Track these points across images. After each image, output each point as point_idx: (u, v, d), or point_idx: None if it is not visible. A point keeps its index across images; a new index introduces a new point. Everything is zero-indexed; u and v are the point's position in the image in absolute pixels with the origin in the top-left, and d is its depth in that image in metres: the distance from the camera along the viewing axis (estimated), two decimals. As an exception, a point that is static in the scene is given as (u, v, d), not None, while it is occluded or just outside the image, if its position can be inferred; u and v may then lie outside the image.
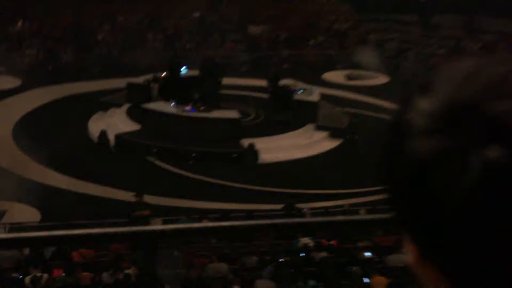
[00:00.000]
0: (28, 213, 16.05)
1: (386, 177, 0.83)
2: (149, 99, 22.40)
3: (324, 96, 23.92)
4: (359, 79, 29.57)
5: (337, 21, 35.54)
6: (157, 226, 13.83)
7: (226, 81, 25.65)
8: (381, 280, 11.57)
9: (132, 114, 22.14)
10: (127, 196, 16.37)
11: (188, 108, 20.84)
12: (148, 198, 15.87)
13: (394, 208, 0.82)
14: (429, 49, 32.24)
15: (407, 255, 0.85)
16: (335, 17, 36.08)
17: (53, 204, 16.48)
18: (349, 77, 29.98)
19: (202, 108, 20.89)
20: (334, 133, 21.59)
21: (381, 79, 29.49)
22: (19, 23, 32.61)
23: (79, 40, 31.66)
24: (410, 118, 0.80)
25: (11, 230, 14.13)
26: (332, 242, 13.70)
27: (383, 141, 0.84)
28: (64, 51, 31.05)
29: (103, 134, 20.20)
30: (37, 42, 31.54)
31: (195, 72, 23.64)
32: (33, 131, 20.66)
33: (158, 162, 19.40)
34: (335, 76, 30.02)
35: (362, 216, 9.78)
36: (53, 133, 20.39)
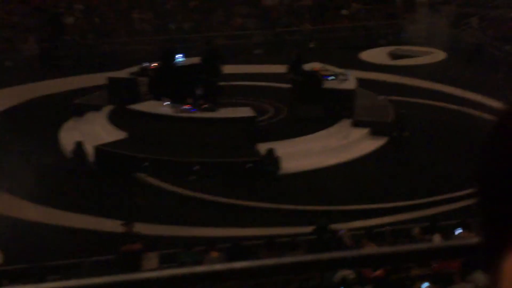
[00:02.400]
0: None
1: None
2: (137, 98, 22.68)
3: (362, 82, 24.12)
4: (407, 58, 29.71)
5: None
6: (150, 272, 14.03)
7: (235, 68, 25.99)
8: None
9: (115, 119, 22.45)
10: (112, 225, 16.66)
11: (187, 107, 21.08)
12: (140, 227, 16.15)
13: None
14: (498, 12, 32.26)
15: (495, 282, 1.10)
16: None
17: (18, 241, 16.78)
18: (395, 56, 30.14)
19: (205, 106, 21.13)
20: (376, 130, 21.76)
21: (436, 56, 29.63)
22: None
23: (43, 25, 32.06)
24: None
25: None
26: (378, 272, 13.89)
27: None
28: (24, 40, 31.49)
29: (79, 146, 20.49)
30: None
31: (195, 60, 23.95)
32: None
33: (150, 180, 19.67)
34: (376, 55, 30.24)
35: (434, 243, 9.88)
36: (14, 149, 20.72)
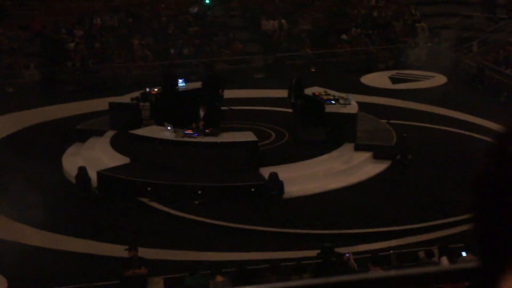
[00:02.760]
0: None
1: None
2: (139, 123, 22.73)
3: (364, 106, 24.16)
4: (408, 82, 29.79)
5: (377, 8, 35.86)
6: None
7: (235, 93, 26.05)
8: None
9: (117, 144, 22.49)
10: (117, 250, 16.65)
11: (189, 132, 21.11)
12: (144, 252, 16.14)
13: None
14: (499, 36, 32.39)
15: None
16: (374, 2, 36.43)
17: (22, 267, 16.75)
18: (395, 80, 30.22)
19: (207, 131, 21.17)
20: (379, 154, 21.80)
21: (437, 80, 29.71)
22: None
23: (45, 51, 32.17)
24: None
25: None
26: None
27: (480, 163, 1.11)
28: (25, 66, 31.59)
29: (82, 171, 20.50)
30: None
31: (196, 85, 24.02)
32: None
33: (154, 204, 19.68)
34: (377, 79, 30.29)
35: (444, 267, 9.89)
36: (17, 174, 20.70)
